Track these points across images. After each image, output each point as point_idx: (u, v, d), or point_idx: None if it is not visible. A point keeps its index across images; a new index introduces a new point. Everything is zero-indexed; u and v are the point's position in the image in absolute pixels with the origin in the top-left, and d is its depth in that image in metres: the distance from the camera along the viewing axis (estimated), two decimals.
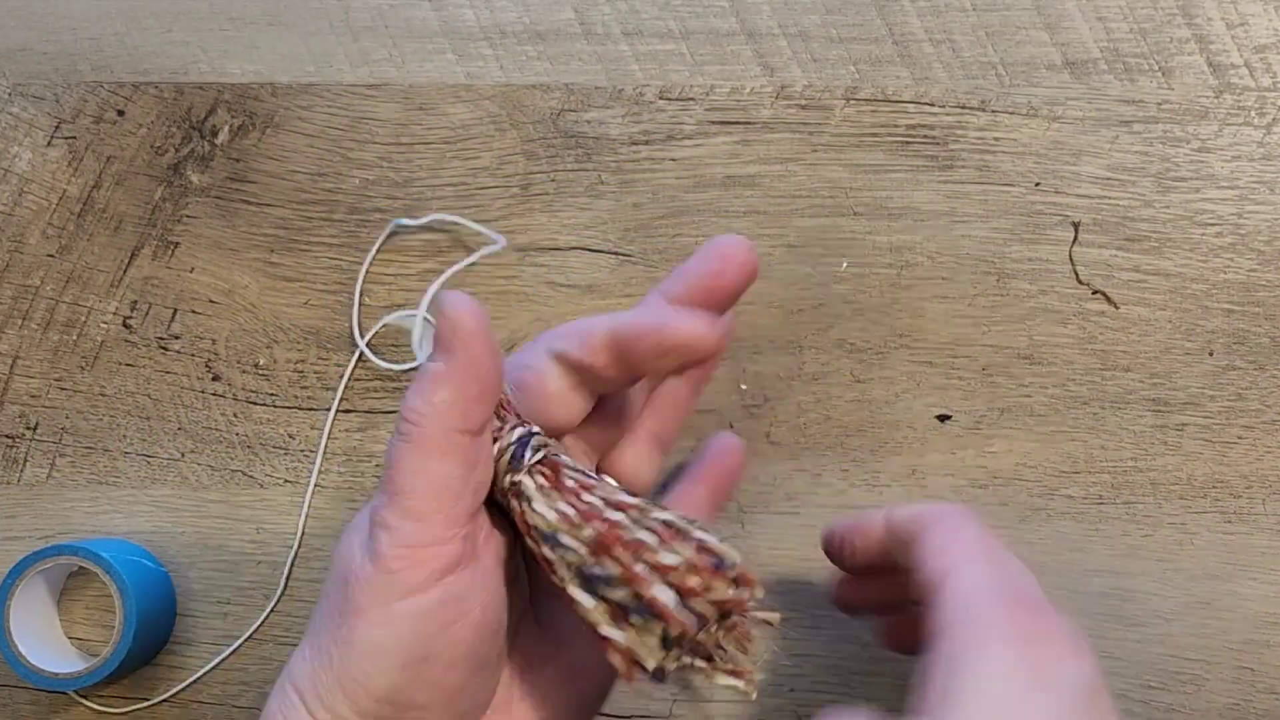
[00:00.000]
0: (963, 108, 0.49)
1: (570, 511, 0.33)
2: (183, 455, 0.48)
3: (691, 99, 0.50)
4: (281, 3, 0.51)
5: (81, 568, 0.45)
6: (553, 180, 0.50)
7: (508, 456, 0.34)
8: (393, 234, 0.49)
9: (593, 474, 0.35)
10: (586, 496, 0.33)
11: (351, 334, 0.49)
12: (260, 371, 0.49)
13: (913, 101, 0.49)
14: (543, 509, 0.33)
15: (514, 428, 0.34)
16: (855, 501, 0.47)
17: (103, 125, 0.50)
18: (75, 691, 0.46)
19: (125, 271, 0.50)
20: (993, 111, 0.49)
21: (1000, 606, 0.32)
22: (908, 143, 0.49)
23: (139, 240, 0.50)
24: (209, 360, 0.49)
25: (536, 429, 0.35)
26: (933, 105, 0.49)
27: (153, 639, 0.46)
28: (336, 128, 0.50)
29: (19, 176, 0.50)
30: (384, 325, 0.47)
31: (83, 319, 0.49)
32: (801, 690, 0.46)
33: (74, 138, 0.50)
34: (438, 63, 0.51)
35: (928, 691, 0.30)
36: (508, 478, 0.34)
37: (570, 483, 0.33)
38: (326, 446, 0.48)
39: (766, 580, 0.46)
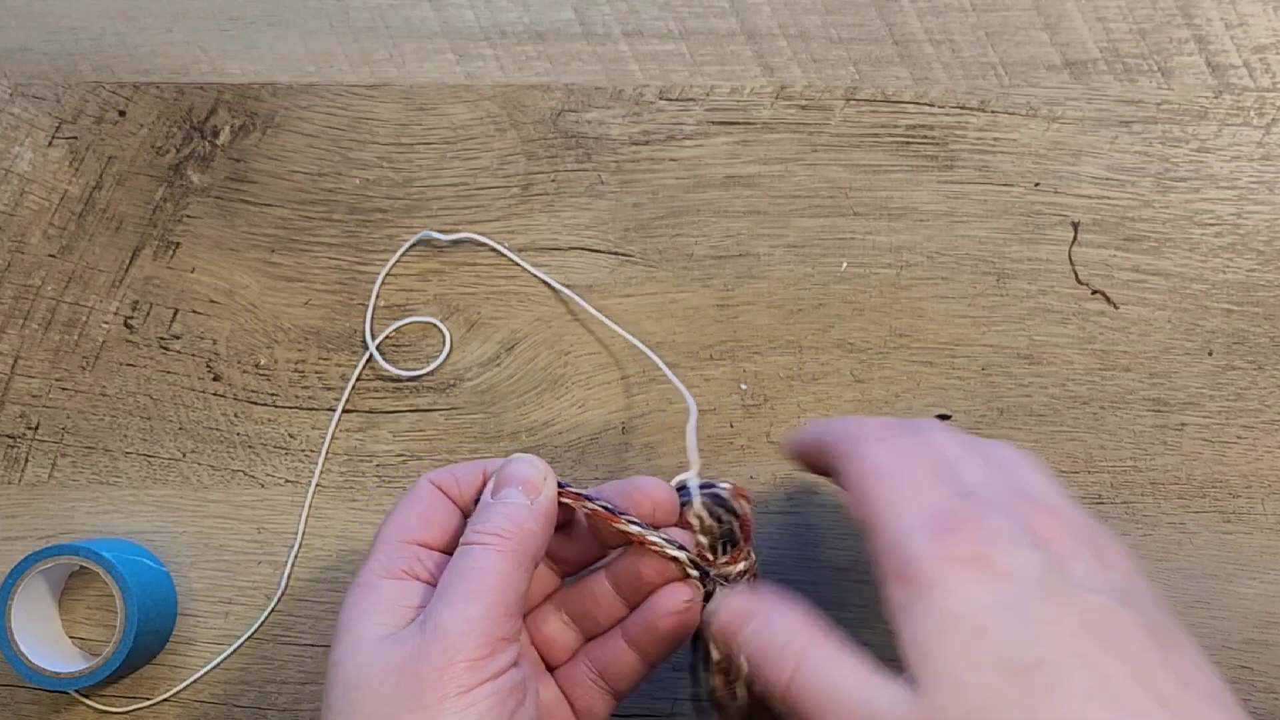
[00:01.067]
0: (962, 108, 0.49)
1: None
2: (184, 455, 0.48)
3: (691, 99, 0.50)
4: (281, 3, 0.51)
5: (82, 567, 0.45)
6: (553, 180, 0.50)
7: None
8: (388, 234, 0.49)
9: None
10: None
11: (364, 338, 0.49)
12: (261, 371, 0.49)
13: (912, 102, 0.49)
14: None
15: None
16: None
17: (103, 125, 0.51)
18: (76, 691, 0.46)
19: (126, 271, 0.50)
20: (992, 112, 0.49)
21: (929, 545, 0.32)
22: (907, 143, 0.49)
23: (140, 240, 0.50)
24: (210, 360, 0.49)
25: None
26: (932, 105, 0.49)
27: (153, 639, 0.46)
28: (337, 128, 0.50)
29: (20, 177, 0.50)
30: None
31: (84, 319, 0.49)
32: None
33: (75, 138, 0.50)
34: (438, 63, 0.51)
35: (903, 648, 0.32)
36: None
37: None
38: (331, 448, 0.48)
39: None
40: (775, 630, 0.35)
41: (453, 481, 0.39)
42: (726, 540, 0.40)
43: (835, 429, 0.38)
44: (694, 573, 0.39)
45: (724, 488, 0.41)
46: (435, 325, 0.49)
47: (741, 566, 0.40)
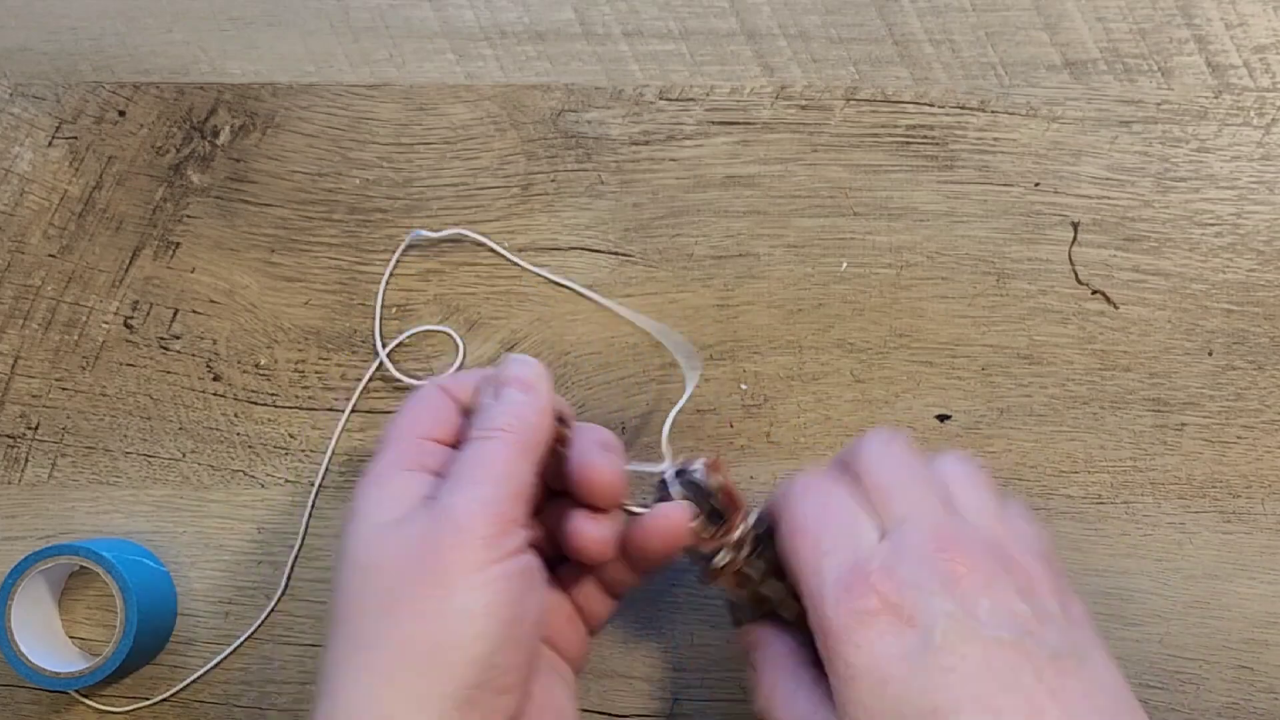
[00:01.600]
0: (962, 108, 0.49)
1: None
2: (184, 455, 0.48)
3: (691, 99, 0.50)
4: (281, 3, 0.51)
5: (82, 567, 0.45)
6: (553, 180, 0.50)
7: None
8: (388, 234, 0.49)
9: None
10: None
11: (374, 346, 0.49)
12: (261, 371, 0.49)
13: (912, 102, 0.49)
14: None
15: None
16: None
17: (104, 125, 0.51)
18: (76, 691, 0.46)
19: (126, 271, 0.50)
20: (992, 112, 0.49)
21: (841, 601, 0.34)
22: (907, 143, 0.49)
23: (140, 240, 0.50)
24: (210, 360, 0.49)
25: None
26: (932, 105, 0.49)
27: (153, 639, 0.46)
28: (336, 128, 0.50)
29: (20, 177, 0.50)
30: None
31: (84, 319, 0.49)
32: None
33: (75, 138, 0.50)
34: (438, 63, 0.51)
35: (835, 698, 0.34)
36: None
37: None
38: (329, 447, 0.48)
39: None
40: (764, 655, 0.39)
41: (456, 385, 0.41)
42: (716, 516, 0.40)
43: (781, 489, 0.39)
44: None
45: (696, 470, 0.40)
46: (449, 335, 0.49)
47: (737, 534, 0.40)
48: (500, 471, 0.37)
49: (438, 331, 0.49)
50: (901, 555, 0.35)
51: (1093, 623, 0.36)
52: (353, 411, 0.48)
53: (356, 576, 0.36)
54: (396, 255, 0.49)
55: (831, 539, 0.36)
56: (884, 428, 0.41)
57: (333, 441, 0.48)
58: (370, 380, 0.49)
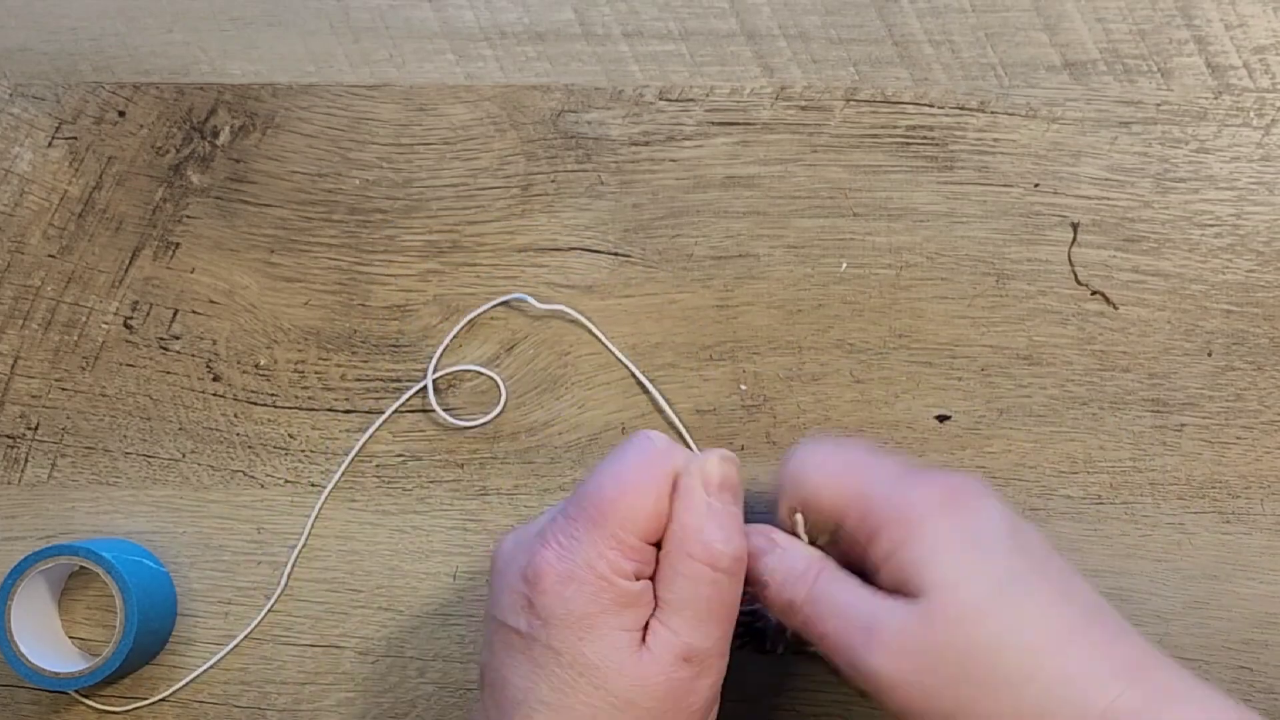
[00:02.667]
0: (962, 109, 0.49)
1: None
2: (183, 455, 0.48)
3: (691, 100, 0.50)
4: (281, 3, 0.51)
5: (82, 568, 0.45)
6: (553, 181, 0.50)
7: None
8: (388, 234, 0.49)
9: None
10: None
11: (368, 344, 0.49)
12: (260, 372, 0.49)
13: (912, 102, 0.49)
14: None
15: None
16: None
17: (103, 126, 0.51)
18: (76, 691, 0.46)
19: (126, 272, 0.50)
20: (992, 112, 0.49)
21: (918, 492, 0.38)
22: (907, 143, 0.49)
23: (139, 241, 0.50)
24: (209, 360, 0.49)
25: None
26: (932, 106, 0.49)
27: (153, 639, 0.46)
28: (336, 128, 0.50)
29: (20, 177, 0.50)
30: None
31: (83, 319, 0.49)
32: (801, 690, 0.46)
33: (75, 138, 0.50)
34: (438, 63, 0.51)
35: (898, 577, 0.37)
36: None
37: None
38: (329, 447, 0.48)
39: None
40: (794, 558, 0.39)
41: (673, 466, 0.39)
42: None
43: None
44: None
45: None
46: (492, 378, 0.48)
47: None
48: (733, 612, 0.39)
49: (437, 330, 0.49)
50: (945, 470, 0.41)
51: None
52: (353, 412, 0.49)
53: (617, 712, 0.37)
54: (484, 308, 0.49)
55: (881, 461, 0.40)
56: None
57: (357, 447, 0.48)
58: (369, 380, 0.49)
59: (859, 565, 0.39)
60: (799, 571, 0.39)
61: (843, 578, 0.39)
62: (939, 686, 0.35)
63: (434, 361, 0.49)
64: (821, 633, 0.38)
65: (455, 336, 0.49)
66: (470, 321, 0.49)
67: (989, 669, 0.35)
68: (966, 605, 0.36)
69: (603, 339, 0.48)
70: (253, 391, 0.49)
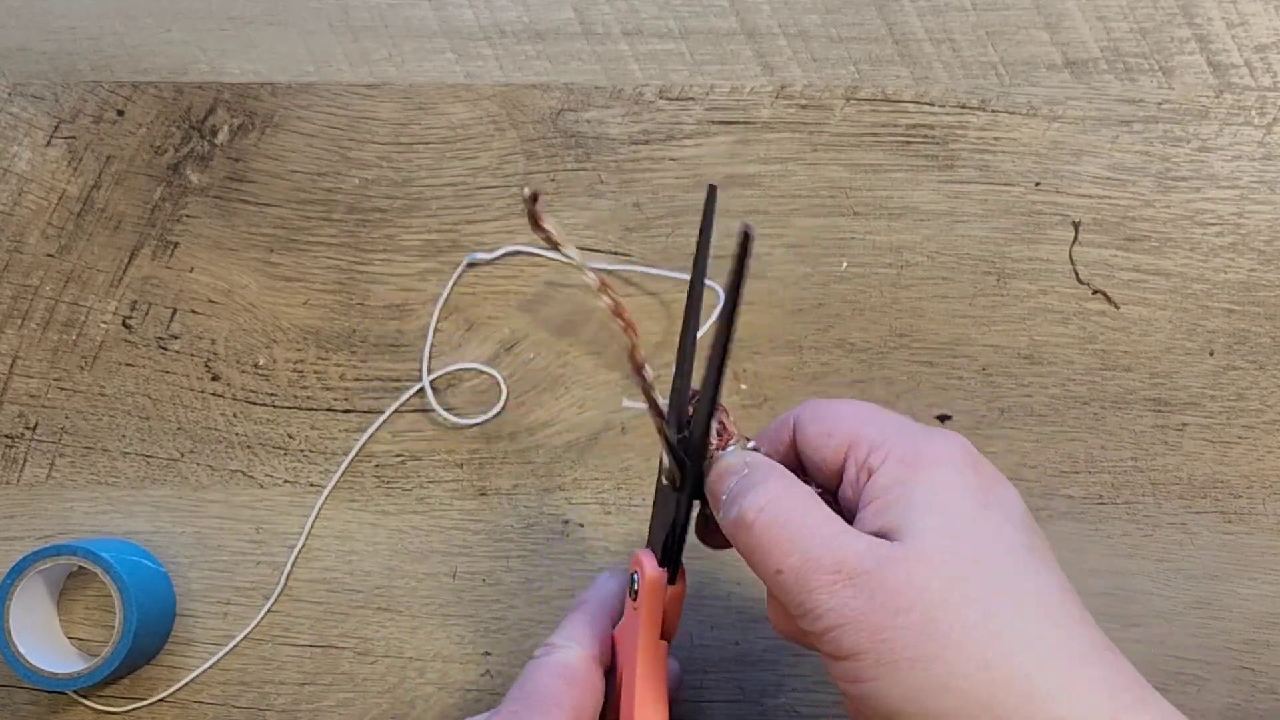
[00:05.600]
0: (963, 107, 0.49)
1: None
2: (182, 455, 0.48)
3: (691, 99, 0.50)
4: (281, 3, 0.51)
5: (81, 568, 0.45)
6: (552, 180, 0.50)
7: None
8: (387, 233, 0.49)
9: None
10: None
11: (367, 342, 0.49)
12: (259, 371, 0.49)
13: (913, 101, 0.49)
14: None
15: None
16: None
17: (102, 125, 0.50)
18: (75, 691, 0.46)
19: (125, 271, 0.50)
20: (993, 111, 0.49)
21: (922, 441, 0.35)
22: (908, 142, 0.49)
23: (138, 240, 0.50)
24: (208, 360, 0.49)
25: None
26: (933, 105, 0.49)
27: (152, 639, 0.46)
28: (336, 127, 0.50)
29: (18, 176, 0.50)
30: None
31: (82, 319, 0.49)
32: (801, 690, 0.46)
33: (73, 137, 0.50)
34: (437, 62, 0.51)
35: (886, 515, 0.34)
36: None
37: None
38: (328, 447, 0.48)
39: None
40: (759, 474, 0.36)
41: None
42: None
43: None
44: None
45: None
46: (493, 376, 0.48)
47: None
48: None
49: (435, 328, 0.49)
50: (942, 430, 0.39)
51: None
52: (352, 412, 0.48)
53: None
54: (453, 279, 0.49)
55: (884, 411, 0.38)
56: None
57: (356, 447, 0.48)
58: (368, 380, 0.49)
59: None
60: (758, 481, 0.35)
61: (809, 499, 0.35)
62: (895, 632, 0.32)
63: (425, 360, 0.49)
64: (775, 561, 0.34)
65: (450, 335, 0.49)
66: (470, 322, 0.49)
67: (959, 632, 0.32)
68: (961, 557, 0.33)
69: (572, 258, 0.48)
70: (251, 391, 0.49)
